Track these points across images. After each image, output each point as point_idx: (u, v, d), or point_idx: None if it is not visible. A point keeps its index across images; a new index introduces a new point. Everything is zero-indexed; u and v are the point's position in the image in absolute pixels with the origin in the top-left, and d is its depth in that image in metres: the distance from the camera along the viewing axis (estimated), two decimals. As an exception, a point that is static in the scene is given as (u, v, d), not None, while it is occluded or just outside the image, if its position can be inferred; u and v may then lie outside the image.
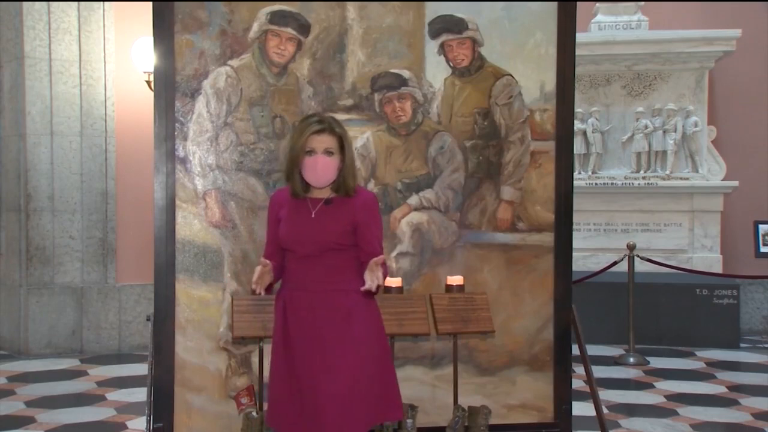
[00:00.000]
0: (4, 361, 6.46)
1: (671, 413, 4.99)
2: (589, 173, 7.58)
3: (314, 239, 2.97)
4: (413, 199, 3.83)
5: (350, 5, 3.79)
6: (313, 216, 3.01)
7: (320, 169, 2.97)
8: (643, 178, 7.51)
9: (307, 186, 3.03)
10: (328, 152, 2.96)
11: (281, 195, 3.13)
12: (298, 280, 3.01)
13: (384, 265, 2.89)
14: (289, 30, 3.74)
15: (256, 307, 3.52)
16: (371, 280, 2.84)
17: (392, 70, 3.82)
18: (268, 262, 2.96)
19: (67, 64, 6.71)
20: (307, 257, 2.99)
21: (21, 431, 4.63)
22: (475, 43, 3.88)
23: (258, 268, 2.93)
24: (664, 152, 7.49)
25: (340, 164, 2.99)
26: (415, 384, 3.81)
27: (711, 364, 6.39)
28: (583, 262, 7.22)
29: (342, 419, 2.89)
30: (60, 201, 6.70)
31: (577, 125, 7.21)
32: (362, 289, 2.87)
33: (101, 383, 5.75)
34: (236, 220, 3.72)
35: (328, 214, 3.00)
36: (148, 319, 3.70)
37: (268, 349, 3.60)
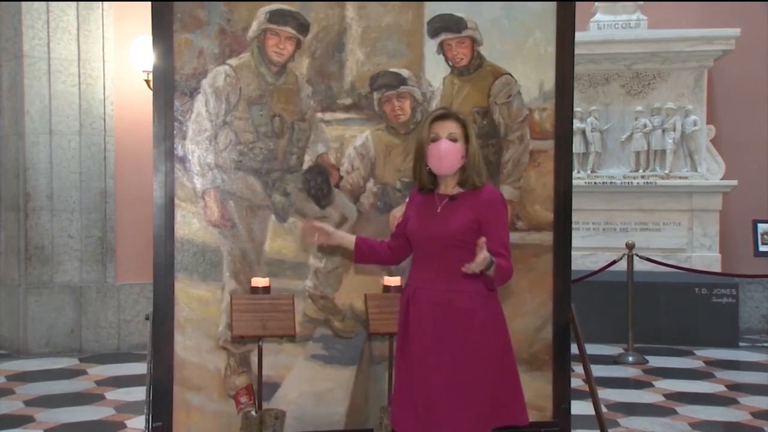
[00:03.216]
0: (3, 361, 6.46)
1: (670, 412, 5.00)
2: (588, 172, 7.58)
3: (438, 234, 2.97)
4: (412, 198, 3.83)
5: (349, 4, 3.79)
6: (438, 211, 3.01)
7: (443, 153, 2.96)
8: (642, 177, 7.51)
9: (434, 179, 3.04)
10: (452, 138, 2.97)
11: (416, 191, 3.16)
12: (422, 277, 3.01)
13: (502, 258, 2.85)
14: (288, 29, 3.74)
15: (255, 306, 3.52)
16: (474, 263, 2.77)
17: (391, 69, 3.82)
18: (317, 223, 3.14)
19: (66, 63, 6.71)
20: (432, 254, 2.98)
21: (20, 430, 4.63)
22: (474, 42, 3.88)
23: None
24: (663, 151, 7.50)
25: (465, 154, 2.99)
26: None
27: (710, 363, 6.40)
28: (582, 261, 7.22)
29: (452, 420, 2.89)
30: (59, 200, 6.70)
31: (576, 124, 7.21)
32: (462, 269, 2.80)
33: (100, 382, 5.76)
34: (235, 219, 3.72)
35: (453, 210, 2.99)
36: (147, 318, 3.70)
37: (267, 348, 3.61)
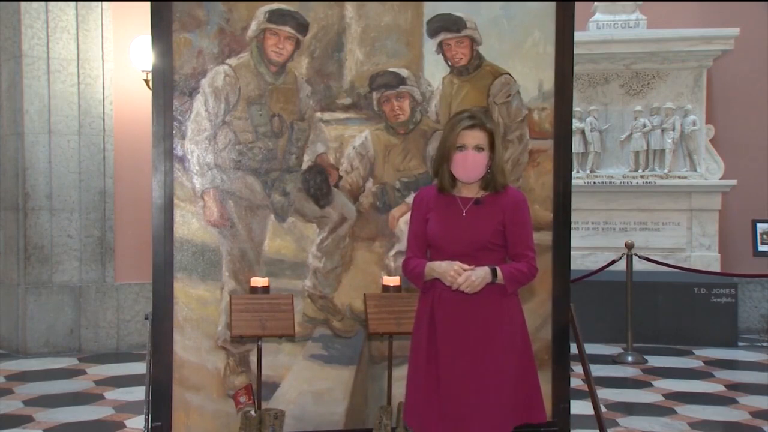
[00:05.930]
0: (2, 360, 6.46)
1: (669, 412, 5.00)
2: (588, 172, 7.58)
3: (467, 238, 2.97)
4: (411, 198, 3.83)
5: (348, 4, 3.79)
6: (464, 215, 3.01)
7: (470, 165, 2.97)
8: (642, 176, 7.51)
9: (454, 181, 3.04)
10: (479, 148, 2.97)
11: (427, 192, 3.13)
12: None
13: (523, 261, 2.97)
14: (288, 29, 3.74)
15: (254, 306, 3.52)
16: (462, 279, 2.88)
17: (390, 69, 3.82)
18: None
19: (65, 63, 6.70)
20: (457, 256, 2.96)
21: (19, 430, 4.63)
22: (473, 41, 3.88)
23: (464, 271, 2.92)
24: (663, 151, 7.50)
25: (490, 160, 3.00)
26: (414, 383, 3.81)
27: (709, 362, 6.40)
28: (581, 260, 7.23)
29: (487, 425, 2.90)
30: (58, 200, 6.70)
31: (576, 124, 7.21)
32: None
33: (99, 382, 5.75)
34: (234, 219, 3.72)
35: (480, 213, 3.00)
36: (146, 318, 3.70)
37: (266, 347, 3.61)
